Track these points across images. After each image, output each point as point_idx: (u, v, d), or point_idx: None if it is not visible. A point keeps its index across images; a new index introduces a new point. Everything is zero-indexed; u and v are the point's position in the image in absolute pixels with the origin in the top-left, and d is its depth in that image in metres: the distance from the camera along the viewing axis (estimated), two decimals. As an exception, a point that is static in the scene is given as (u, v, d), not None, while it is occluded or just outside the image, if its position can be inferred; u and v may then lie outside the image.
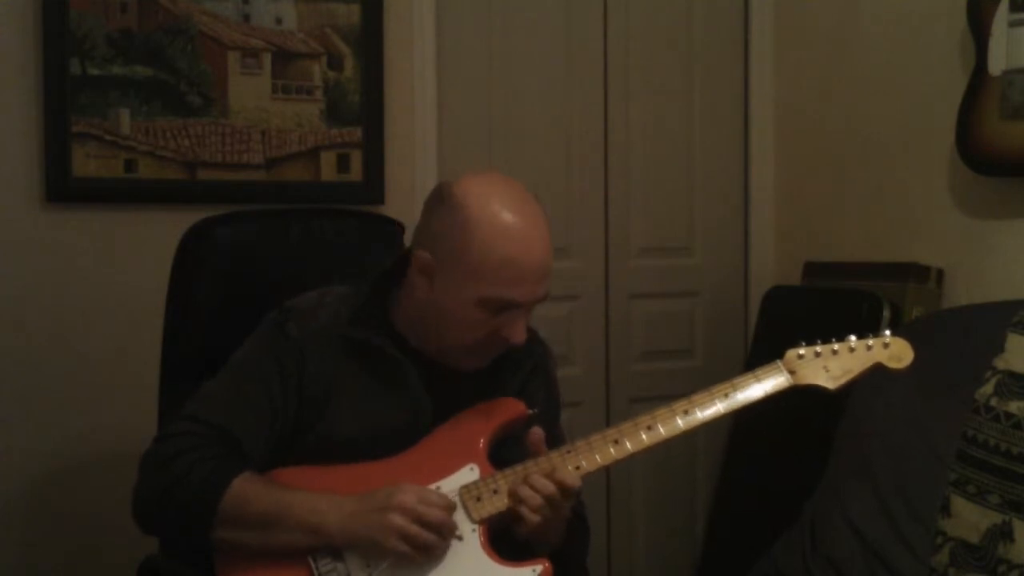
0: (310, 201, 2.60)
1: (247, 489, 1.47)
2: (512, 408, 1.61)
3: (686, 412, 1.57)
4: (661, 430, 1.56)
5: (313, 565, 1.46)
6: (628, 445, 1.55)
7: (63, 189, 2.43)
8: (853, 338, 1.63)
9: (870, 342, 1.63)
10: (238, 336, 1.65)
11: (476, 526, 1.50)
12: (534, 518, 1.48)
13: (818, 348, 1.62)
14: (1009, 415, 2.01)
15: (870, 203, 2.85)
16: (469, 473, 1.54)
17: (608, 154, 3.07)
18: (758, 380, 1.60)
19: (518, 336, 1.56)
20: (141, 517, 1.53)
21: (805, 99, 3.10)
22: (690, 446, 3.16)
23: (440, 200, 1.56)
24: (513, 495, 1.50)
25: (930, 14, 2.63)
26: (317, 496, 1.48)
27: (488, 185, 1.55)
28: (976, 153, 2.41)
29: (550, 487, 1.48)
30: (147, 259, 2.30)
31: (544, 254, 1.54)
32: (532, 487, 1.48)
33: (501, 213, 1.51)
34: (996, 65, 2.36)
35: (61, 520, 2.44)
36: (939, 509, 2.05)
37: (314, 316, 1.60)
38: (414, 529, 1.43)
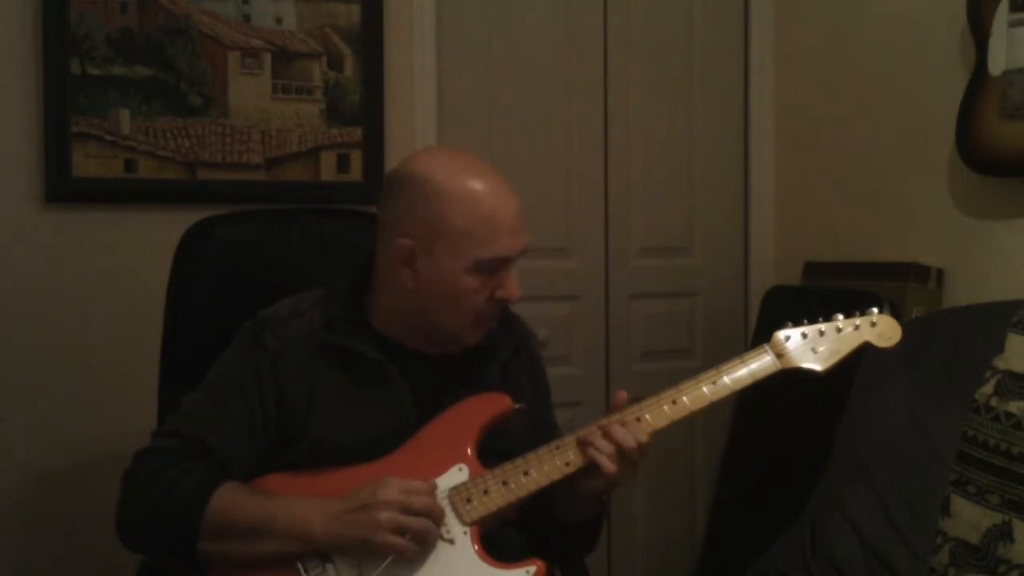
0: (310, 201, 2.59)
1: (230, 499, 1.46)
2: (498, 404, 1.59)
3: (674, 401, 1.56)
4: (649, 419, 1.55)
5: (302, 570, 1.45)
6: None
7: (63, 189, 2.43)
8: (840, 317, 1.61)
9: (857, 321, 1.61)
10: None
11: (467, 528, 1.48)
12: (611, 467, 1.49)
13: (805, 330, 1.60)
14: (1009, 415, 2.01)
15: (870, 203, 2.85)
16: (458, 474, 1.52)
17: (608, 154, 3.07)
18: (745, 364, 1.58)
19: (515, 291, 1.57)
20: (126, 538, 1.52)
21: (805, 99, 3.10)
22: (689, 445, 3.16)
23: (400, 184, 1.57)
24: (584, 442, 1.51)
25: (930, 14, 2.63)
26: (301, 501, 1.47)
27: (443, 157, 1.60)
28: (976, 153, 2.41)
29: (630, 439, 1.50)
30: (147, 259, 2.30)
31: (518, 202, 1.56)
32: (608, 436, 1.50)
33: (468, 176, 1.54)
34: (996, 65, 2.36)
35: (61, 520, 2.44)
36: (939, 509, 2.05)
37: (291, 325, 1.59)
38: (403, 519, 1.42)
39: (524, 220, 1.56)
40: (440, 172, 1.54)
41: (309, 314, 1.60)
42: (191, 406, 1.58)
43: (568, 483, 1.56)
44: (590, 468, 1.52)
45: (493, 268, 1.54)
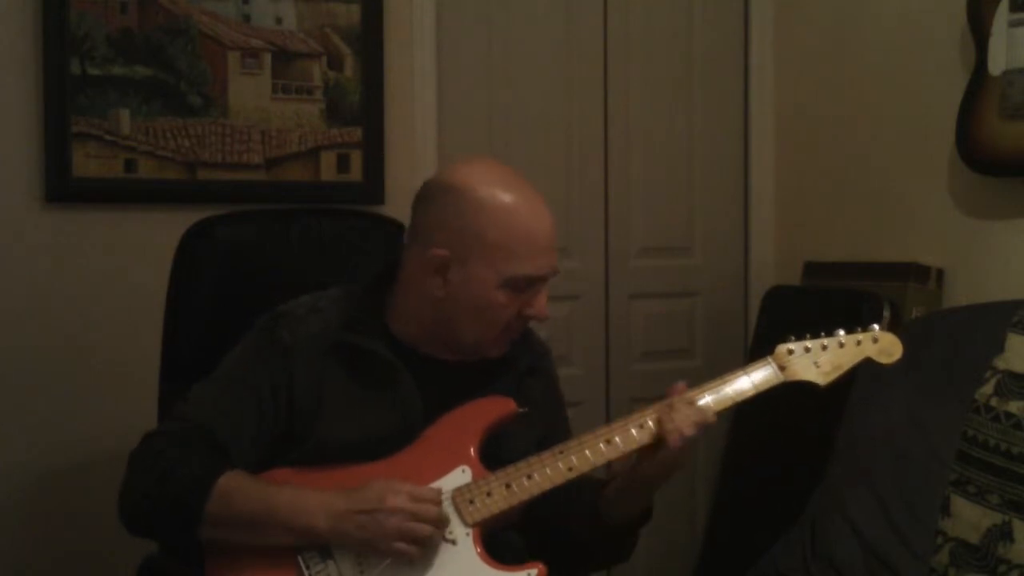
0: (310, 201, 2.60)
1: (233, 487, 1.46)
2: (502, 406, 1.59)
3: None
4: (651, 425, 1.55)
5: (303, 567, 1.45)
6: (619, 442, 1.55)
7: (63, 189, 2.43)
8: (842, 333, 1.63)
9: (859, 337, 1.62)
10: (238, 336, 1.64)
11: (470, 529, 1.49)
12: (675, 439, 1.51)
13: (808, 343, 1.62)
14: (1009, 415, 2.01)
15: (870, 203, 2.85)
16: (461, 475, 1.53)
17: (608, 154, 3.07)
18: (748, 375, 1.59)
19: (543, 310, 1.57)
20: (128, 518, 1.51)
21: (805, 99, 3.10)
22: (691, 447, 3.15)
23: (437, 193, 1.57)
24: (663, 414, 1.53)
25: (930, 14, 2.64)
26: (304, 494, 1.47)
27: (483, 170, 1.58)
28: (976, 153, 2.41)
29: (695, 414, 1.52)
30: (147, 259, 2.30)
31: (553, 222, 1.56)
32: (678, 410, 1.52)
33: (507, 192, 1.53)
34: (996, 65, 2.36)
35: (61, 520, 2.44)
36: (939, 509, 2.05)
37: (307, 321, 1.59)
38: (411, 527, 1.43)
39: (556, 237, 1.57)
40: (479, 184, 1.53)
41: (326, 312, 1.60)
42: (201, 394, 1.58)
43: (607, 476, 1.57)
44: (619, 464, 1.54)
45: (524, 286, 1.54)
